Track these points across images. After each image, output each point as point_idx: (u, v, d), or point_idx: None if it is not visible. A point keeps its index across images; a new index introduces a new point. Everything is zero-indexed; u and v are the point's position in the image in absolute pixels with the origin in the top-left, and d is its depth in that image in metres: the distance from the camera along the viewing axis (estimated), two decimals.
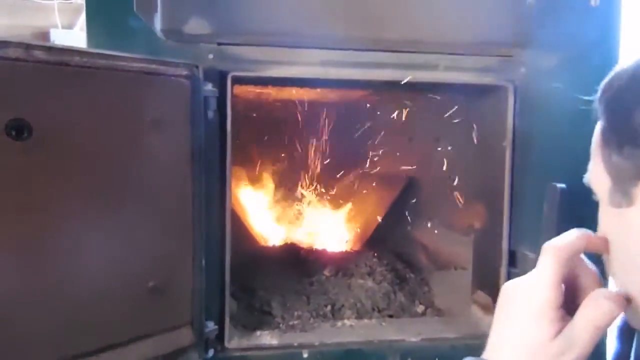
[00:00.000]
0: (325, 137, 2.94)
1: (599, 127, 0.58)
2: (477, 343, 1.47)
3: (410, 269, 2.06)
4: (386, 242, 2.38)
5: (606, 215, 0.59)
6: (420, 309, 1.74)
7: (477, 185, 1.63)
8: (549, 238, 1.30)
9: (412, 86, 1.48)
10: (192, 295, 1.28)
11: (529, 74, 1.39)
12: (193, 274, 1.27)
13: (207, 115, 1.26)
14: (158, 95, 1.15)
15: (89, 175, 1.08)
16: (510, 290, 0.63)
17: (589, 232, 0.60)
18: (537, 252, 1.36)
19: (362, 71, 1.34)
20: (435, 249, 2.12)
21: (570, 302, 0.58)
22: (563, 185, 1.28)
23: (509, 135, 1.40)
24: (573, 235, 0.60)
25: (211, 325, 1.36)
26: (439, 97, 1.68)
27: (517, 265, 1.44)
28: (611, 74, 0.57)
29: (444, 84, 1.44)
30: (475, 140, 1.67)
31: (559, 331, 0.56)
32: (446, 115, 1.83)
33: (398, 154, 2.58)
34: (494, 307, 1.48)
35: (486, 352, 0.61)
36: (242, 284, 1.72)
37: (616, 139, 0.54)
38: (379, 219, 2.47)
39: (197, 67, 1.22)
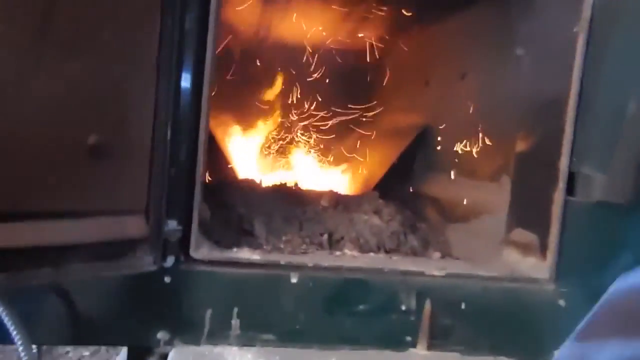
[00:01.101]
0: (330, 81, 2.65)
1: None
2: (516, 287, 1.17)
3: (420, 220, 1.74)
4: (391, 197, 2.06)
5: None
6: (436, 255, 1.41)
7: (523, 99, 1.30)
8: (630, 149, 0.99)
9: None
10: (150, 174, 0.94)
11: None
12: (153, 143, 0.93)
13: None
14: None
15: None
16: None
17: None
18: (607, 171, 1.05)
19: None
20: (451, 201, 1.80)
21: None
22: None
23: (586, 14, 1.08)
24: None
25: (173, 225, 1.02)
26: None
27: (577, 192, 1.12)
28: None
29: None
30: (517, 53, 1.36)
31: None
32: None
33: (410, 101, 2.28)
34: (537, 247, 1.16)
35: None
36: (218, 200, 1.38)
37: None
38: (384, 171, 2.16)
39: None
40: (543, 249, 1.16)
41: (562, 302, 1.14)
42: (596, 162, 1.09)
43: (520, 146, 1.29)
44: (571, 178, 1.13)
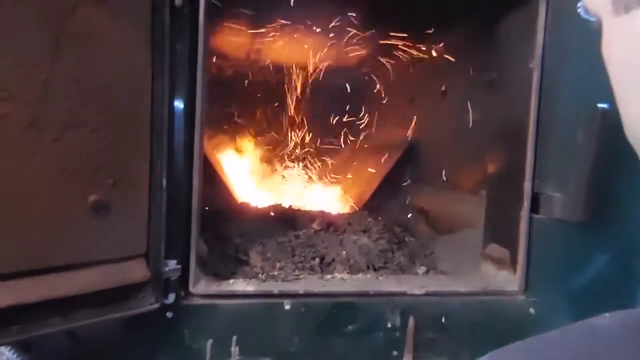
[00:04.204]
0: (317, 102, 2.74)
1: None
2: (492, 300, 1.27)
3: (409, 234, 1.84)
4: (382, 212, 2.16)
5: (611, 34, 0.50)
6: (421, 270, 1.51)
7: (493, 123, 1.40)
8: (582, 173, 1.08)
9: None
10: (149, 221, 1.04)
11: None
12: (150, 194, 1.03)
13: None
14: None
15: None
16: None
17: None
18: (565, 192, 1.14)
19: None
20: (438, 212, 1.90)
21: None
22: (605, 106, 1.05)
23: (538, 53, 1.18)
24: None
25: (172, 264, 1.12)
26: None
27: (541, 210, 1.22)
28: None
29: None
30: (489, 77, 1.46)
31: None
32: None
33: (396, 117, 2.37)
34: (509, 261, 1.26)
35: None
36: (215, 232, 1.48)
37: None
38: (374, 186, 2.27)
39: None
40: (513, 263, 1.26)
41: (532, 311, 1.24)
42: (556, 184, 1.19)
43: (492, 168, 1.39)
44: (536, 198, 1.23)
